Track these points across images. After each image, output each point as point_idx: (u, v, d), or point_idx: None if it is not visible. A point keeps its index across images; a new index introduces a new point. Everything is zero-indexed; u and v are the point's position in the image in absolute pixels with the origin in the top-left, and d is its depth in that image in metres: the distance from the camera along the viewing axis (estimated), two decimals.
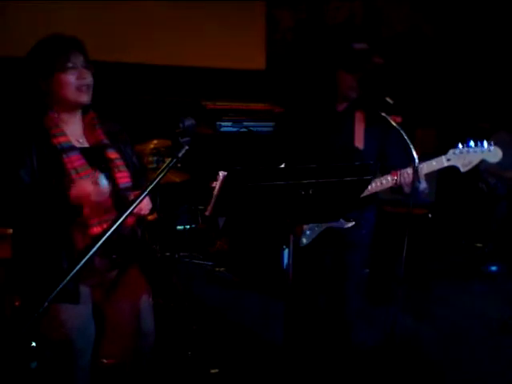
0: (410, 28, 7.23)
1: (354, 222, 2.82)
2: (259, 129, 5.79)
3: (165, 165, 2.03)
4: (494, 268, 5.51)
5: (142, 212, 2.35)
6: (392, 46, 7.08)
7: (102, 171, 2.30)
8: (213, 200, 2.08)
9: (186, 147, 2.09)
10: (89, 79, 2.31)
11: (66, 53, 2.26)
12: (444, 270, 5.53)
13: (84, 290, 2.35)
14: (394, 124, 2.66)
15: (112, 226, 1.78)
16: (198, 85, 6.09)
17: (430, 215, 5.36)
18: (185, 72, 6.06)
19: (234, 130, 5.94)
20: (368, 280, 4.44)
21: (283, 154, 2.82)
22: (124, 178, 2.37)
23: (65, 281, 1.66)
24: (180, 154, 2.06)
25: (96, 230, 2.23)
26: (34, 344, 2.84)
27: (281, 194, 2.10)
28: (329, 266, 2.86)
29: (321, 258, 2.84)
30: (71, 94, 2.28)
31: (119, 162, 2.39)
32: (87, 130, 2.41)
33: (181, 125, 2.16)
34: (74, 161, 2.25)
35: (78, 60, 2.28)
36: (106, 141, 2.39)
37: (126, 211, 1.82)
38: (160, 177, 2.00)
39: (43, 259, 2.26)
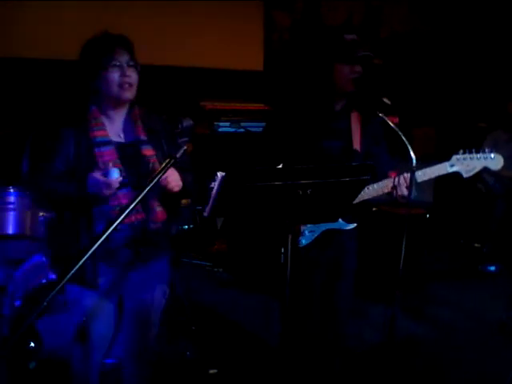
0: (408, 29, 7.24)
1: (355, 224, 2.82)
2: (257, 129, 5.78)
3: (163, 165, 2.03)
4: (492, 268, 5.51)
5: (169, 186, 2.34)
6: (391, 47, 7.09)
7: (131, 167, 2.37)
8: (211, 201, 2.09)
9: (184, 147, 2.10)
10: (133, 77, 2.37)
11: (111, 51, 2.34)
12: (442, 270, 5.54)
13: (108, 282, 2.40)
14: (391, 124, 2.65)
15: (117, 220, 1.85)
16: (197, 85, 6.09)
17: (428, 215, 5.36)
18: (183, 72, 6.06)
19: (232, 130, 5.94)
20: (366, 278, 4.44)
21: (275, 155, 2.77)
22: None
23: (71, 272, 1.67)
24: (178, 155, 2.07)
25: None
26: (32, 344, 2.85)
27: (279, 195, 2.10)
28: (324, 264, 2.85)
29: (316, 258, 2.82)
30: (114, 90, 2.35)
31: (153, 159, 2.42)
32: (129, 126, 2.46)
33: (179, 125, 2.18)
34: (105, 155, 2.33)
35: (123, 58, 2.35)
36: (143, 137, 2.44)
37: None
38: (159, 177, 2.01)
39: (68, 246, 2.37)
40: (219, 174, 2.11)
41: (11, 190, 3.54)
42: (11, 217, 3.51)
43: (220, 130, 5.98)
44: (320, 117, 2.78)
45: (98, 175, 2.24)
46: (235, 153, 5.28)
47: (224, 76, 6.29)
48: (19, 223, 3.54)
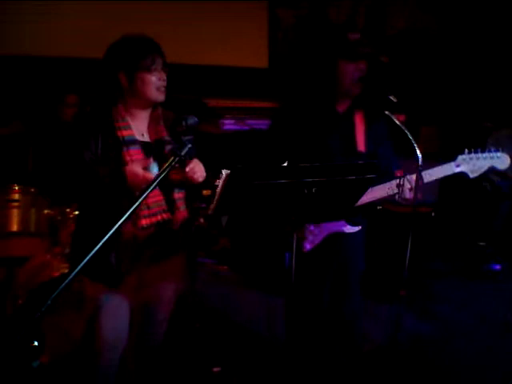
0: (413, 26, 7.22)
1: (360, 227, 2.79)
2: (262, 127, 5.77)
3: (168, 163, 2.02)
4: (496, 267, 5.49)
5: (195, 177, 2.37)
6: (396, 44, 7.06)
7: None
8: (216, 198, 2.08)
9: (189, 145, 2.10)
10: (165, 81, 2.47)
11: (152, 54, 2.42)
12: (447, 269, 5.52)
13: (129, 279, 2.41)
14: (397, 123, 2.64)
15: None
16: (201, 83, 6.08)
17: (433, 214, 5.34)
18: (188, 70, 6.03)
19: (237, 128, 5.93)
20: (371, 278, 4.43)
21: (279, 153, 2.75)
22: (176, 175, 2.43)
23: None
24: (183, 153, 2.06)
25: (144, 221, 2.33)
26: (36, 343, 2.85)
27: (284, 193, 2.09)
28: (330, 268, 2.83)
29: (323, 260, 2.80)
30: (151, 92, 2.42)
31: None
32: (152, 125, 2.50)
33: (183, 123, 2.18)
34: (133, 154, 2.36)
35: (159, 63, 2.44)
36: (166, 137, 2.47)
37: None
38: (163, 175, 2.00)
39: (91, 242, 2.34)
40: (224, 172, 2.11)
41: (15, 188, 3.55)
42: (15, 214, 3.52)
43: (225, 127, 5.97)
44: (323, 117, 2.76)
45: (138, 169, 2.26)
46: (240, 151, 5.27)
47: (229, 73, 6.27)
48: (23, 221, 3.54)
